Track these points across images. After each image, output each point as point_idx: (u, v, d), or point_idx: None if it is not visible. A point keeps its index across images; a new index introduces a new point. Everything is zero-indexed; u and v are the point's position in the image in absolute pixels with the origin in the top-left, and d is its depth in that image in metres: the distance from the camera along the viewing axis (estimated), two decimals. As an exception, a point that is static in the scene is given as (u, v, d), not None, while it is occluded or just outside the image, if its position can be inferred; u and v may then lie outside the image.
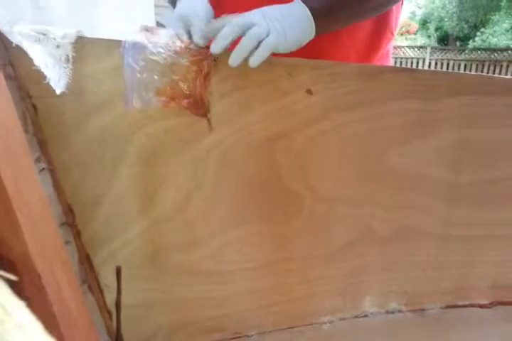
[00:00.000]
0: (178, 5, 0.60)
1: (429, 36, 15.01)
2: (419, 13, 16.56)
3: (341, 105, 0.63)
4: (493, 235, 0.75)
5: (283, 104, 0.61)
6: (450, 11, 12.44)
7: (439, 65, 11.32)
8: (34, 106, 0.52)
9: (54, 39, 0.51)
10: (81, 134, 0.54)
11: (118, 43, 0.53)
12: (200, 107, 0.58)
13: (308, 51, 0.63)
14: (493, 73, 10.54)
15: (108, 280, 0.59)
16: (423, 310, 0.77)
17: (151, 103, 0.54)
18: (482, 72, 10.63)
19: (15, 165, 0.46)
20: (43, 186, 0.47)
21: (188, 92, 0.56)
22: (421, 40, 15.35)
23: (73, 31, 0.52)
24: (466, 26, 12.56)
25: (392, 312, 0.75)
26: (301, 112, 0.62)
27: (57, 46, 0.51)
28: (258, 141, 0.61)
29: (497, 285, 0.78)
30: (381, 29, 0.77)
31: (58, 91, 0.50)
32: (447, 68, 10.83)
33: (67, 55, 0.52)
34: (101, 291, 0.58)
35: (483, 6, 11.61)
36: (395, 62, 11.26)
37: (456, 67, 10.86)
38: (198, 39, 0.55)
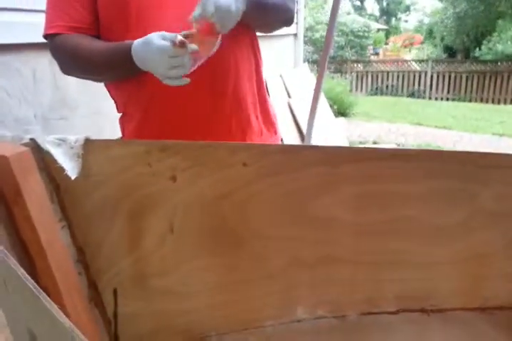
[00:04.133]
0: None
1: (435, 45, 15.09)
2: (427, 21, 16.51)
3: (269, 172, 0.90)
4: (395, 260, 1.01)
5: (227, 173, 0.88)
6: (448, 26, 12.63)
7: (441, 78, 11.42)
8: (57, 186, 0.81)
9: (69, 143, 0.80)
10: (88, 202, 0.83)
11: (114, 141, 0.82)
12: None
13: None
14: (495, 84, 10.71)
15: (108, 298, 0.86)
16: (344, 316, 1.02)
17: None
18: (484, 83, 10.81)
19: (45, 225, 0.75)
20: (63, 237, 0.76)
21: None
22: (428, 49, 15.38)
23: (82, 136, 0.81)
24: (466, 39, 12.72)
25: (319, 318, 1.01)
26: (240, 178, 0.89)
27: (71, 147, 0.80)
28: (210, 199, 0.89)
29: (401, 296, 1.04)
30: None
31: (73, 177, 0.79)
32: (449, 80, 11.04)
33: (78, 153, 0.80)
34: (103, 306, 0.86)
35: (481, 19, 11.78)
36: (398, 75, 11.50)
37: (458, 79, 11.02)
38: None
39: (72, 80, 1.61)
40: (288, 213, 0.94)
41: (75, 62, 1.02)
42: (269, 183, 0.91)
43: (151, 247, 0.88)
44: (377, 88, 11.60)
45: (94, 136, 0.83)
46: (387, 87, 11.56)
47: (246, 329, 0.97)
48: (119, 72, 1.01)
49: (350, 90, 9.49)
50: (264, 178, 0.90)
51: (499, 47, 11.83)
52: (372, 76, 11.85)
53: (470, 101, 10.39)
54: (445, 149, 4.96)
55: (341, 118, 6.07)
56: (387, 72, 11.72)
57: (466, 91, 10.84)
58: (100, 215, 0.83)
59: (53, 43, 1.02)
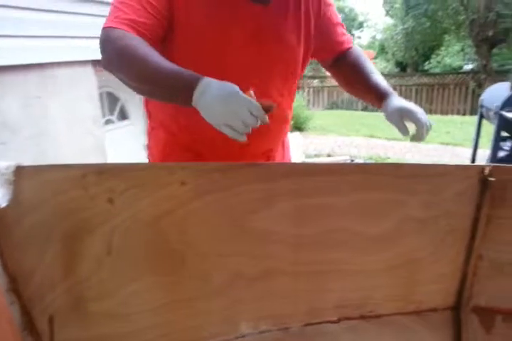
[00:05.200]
0: None
1: (388, 60, 15.73)
2: (379, 37, 17.20)
3: (207, 189, 0.93)
4: (332, 270, 1.05)
5: (165, 192, 0.90)
6: (398, 42, 13.24)
7: (392, 91, 11.89)
8: (-14, 213, 0.80)
9: (0, 170, 0.79)
10: (20, 228, 0.82)
11: (47, 167, 0.82)
12: None
13: None
14: (442, 96, 11.30)
15: (44, 326, 0.85)
16: (287, 328, 1.05)
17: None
18: (432, 95, 11.38)
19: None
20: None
21: None
22: (381, 64, 15.93)
23: (14, 163, 0.81)
24: (415, 54, 13.38)
25: (263, 332, 1.03)
26: (179, 197, 0.91)
27: (2, 174, 0.80)
28: (149, 219, 0.90)
29: (340, 305, 1.08)
30: None
31: (3, 205, 0.78)
32: (400, 93, 11.52)
33: (10, 180, 0.80)
34: (38, 335, 0.84)
35: (429, 34, 12.42)
36: (352, 89, 11.87)
37: (408, 92, 11.55)
38: None
39: (14, 103, 1.59)
40: (227, 229, 0.96)
41: (126, 66, 0.93)
42: (207, 201, 0.93)
43: (87, 271, 0.87)
44: (333, 103, 11.95)
45: (37, 158, 0.83)
46: (342, 101, 11.93)
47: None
48: (166, 96, 0.95)
49: (308, 105, 9.73)
50: (202, 196, 0.93)
51: (447, 60, 12.51)
52: (328, 91, 12.20)
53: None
54: (393, 160, 5.18)
55: (297, 133, 6.22)
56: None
57: (415, 104, 11.37)
58: (32, 242, 0.83)
59: (109, 36, 0.94)
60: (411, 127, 1.07)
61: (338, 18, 1.21)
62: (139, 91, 0.99)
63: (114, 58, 0.94)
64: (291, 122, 6.47)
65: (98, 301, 0.89)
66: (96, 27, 1.03)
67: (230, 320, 1.01)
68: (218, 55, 1.02)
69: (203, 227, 0.95)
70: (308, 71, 12.71)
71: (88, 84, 2.54)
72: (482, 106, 3.56)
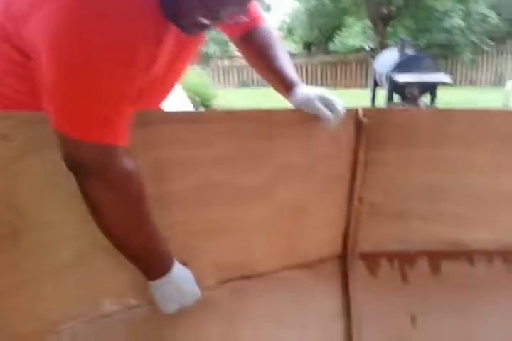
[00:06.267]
0: None
1: (296, 42, 16.09)
2: (288, 20, 17.58)
3: (40, 145, 0.76)
4: (208, 229, 0.95)
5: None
6: (304, 22, 13.50)
7: (299, 69, 12.29)
8: None
9: None
10: None
11: None
12: None
13: None
14: (345, 72, 11.86)
15: None
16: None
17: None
18: (336, 71, 11.91)
19: None
20: None
21: None
22: (289, 45, 16.26)
23: None
24: (319, 34, 13.76)
25: (132, 308, 0.90)
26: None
27: None
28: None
29: (220, 267, 0.98)
30: None
31: None
32: (306, 71, 11.85)
33: None
34: None
35: (330, 14, 12.80)
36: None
37: (314, 70, 11.99)
38: None
39: None
40: (70, 192, 0.77)
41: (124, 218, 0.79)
42: (39, 159, 0.76)
43: None
44: (244, 82, 11.92)
45: None
46: (252, 81, 11.94)
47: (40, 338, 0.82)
48: (134, 259, 0.84)
49: (216, 84, 9.56)
50: (32, 154, 0.76)
51: (349, 41, 13.04)
52: (238, 70, 12.14)
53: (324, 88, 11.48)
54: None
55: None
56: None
57: (321, 80, 11.92)
58: None
59: (122, 175, 0.75)
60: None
61: None
62: (112, 236, 0.81)
63: (120, 212, 0.78)
64: (197, 99, 6.27)
65: None
66: None
67: (89, 298, 0.87)
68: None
69: (33, 193, 0.78)
70: (216, 51, 12.52)
71: None
72: (375, 73, 3.71)
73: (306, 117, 0.93)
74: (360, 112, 0.99)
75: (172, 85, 0.97)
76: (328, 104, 0.92)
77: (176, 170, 0.88)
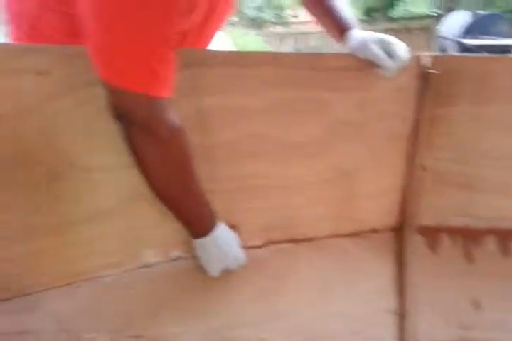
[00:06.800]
0: None
1: (358, 9, 15.47)
2: (351, -14, 16.89)
3: (79, 83, 0.72)
4: (253, 185, 0.89)
5: (15, 83, 0.69)
6: (366, -12, 12.77)
7: (359, 37, 11.79)
8: None
9: None
10: None
11: None
12: None
13: None
14: (408, 40, 11.12)
15: None
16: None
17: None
18: (398, 38, 11.27)
19: None
20: None
21: None
22: (351, 11, 15.74)
23: None
24: (382, 1, 13.03)
25: (175, 260, 0.88)
26: (37, 91, 0.70)
27: None
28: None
29: (266, 227, 0.93)
30: None
31: None
32: (367, 38, 11.31)
33: None
34: None
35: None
36: (320, 36, 11.50)
37: (375, 36, 11.45)
38: None
39: None
40: (110, 137, 0.74)
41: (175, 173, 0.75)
42: (78, 98, 0.72)
43: None
44: (298, 50, 11.58)
45: None
46: (307, 48, 11.58)
47: (77, 282, 0.81)
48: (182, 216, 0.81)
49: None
50: (70, 91, 0.72)
51: (413, 7, 12.31)
52: (293, 37, 11.78)
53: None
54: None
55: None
56: (309, 34, 11.72)
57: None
58: None
59: (173, 134, 0.72)
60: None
61: None
62: (159, 192, 0.78)
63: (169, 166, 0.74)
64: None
65: None
66: None
67: (131, 247, 0.85)
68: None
69: (78, 134, 0.75)
70: (271, 16, 12.16)
71: None
72: (440, 38, 3.40)
73: (362, 65, 0.81)
74: (428, 60, 0.85)
75: (212, 34, 0.90)
76: (389, 50, 0.79)
77: (221, 119, 0.82)
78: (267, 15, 12.09)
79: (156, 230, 0.86)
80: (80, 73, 0.71)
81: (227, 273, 0.87)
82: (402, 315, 0.87)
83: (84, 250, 0.81)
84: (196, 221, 0.81)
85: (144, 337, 0.77)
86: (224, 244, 0.83)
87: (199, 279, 0.87)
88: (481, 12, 3.68)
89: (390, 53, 0.79)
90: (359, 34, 0.83)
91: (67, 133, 0.74)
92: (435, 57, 0.85)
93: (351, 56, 0.82)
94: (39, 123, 0.72)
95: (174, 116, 0.71)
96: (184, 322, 0.80)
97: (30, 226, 0.76)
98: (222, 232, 0.83)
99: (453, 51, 3.14)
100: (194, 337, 0.78)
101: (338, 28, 0.87)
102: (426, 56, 0.85)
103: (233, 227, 0.87)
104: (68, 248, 0.80)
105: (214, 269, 0.84)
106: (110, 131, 0.73)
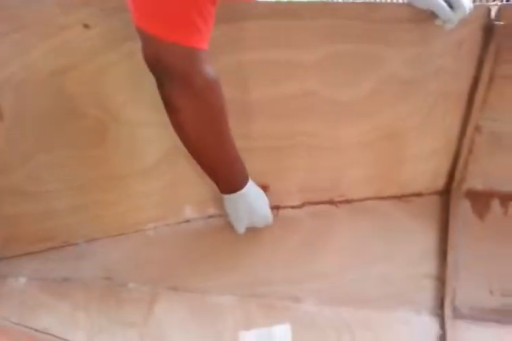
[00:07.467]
0: None
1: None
2: None
3: (123, 37, 0.71)
4: (295, 145, 0.87)
5: (62, 39, 0.69)
6: None
7: None
8: None
9: None
10: None
11: None
12: None
13: None
14: None
15: None
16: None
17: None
18: None
19: None
20: None
21: None
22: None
23: None
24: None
25: (211, 217, 0.89)
26: (82, 45, 0.70)
27: None
28: (45, 75, 0.70)
29: (306, 188, 0.91)
30: None
31: None
32: None
33: None
34: None
35: None
36: None
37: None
38: None
39: None
40: (151, 93, 0.72)
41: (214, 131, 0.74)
42: (124, 51, 0.72)
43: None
44: None
45: None
46: None
47: (121, 234, 0.84)
48: (211, 167, 0.80)
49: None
50: (116, 45, 0.71)
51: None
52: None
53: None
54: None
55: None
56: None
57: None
58: None
59: (209, 86, 0.69)
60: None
61: None
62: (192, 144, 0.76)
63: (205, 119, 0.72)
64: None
65: (1, 175, 0.73)
66: None
67: (172, 203, 0.86)
68: None
69: (122, 89, 0.75)
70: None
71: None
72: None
73: (420, 16, 0.75)
74: (493, 10, 0.78)
75: None
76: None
77: (263, 75, 0.78)
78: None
79: (195, 187, 0.86)
80: (122, 28, 0.70)
81: (262, 231, 0.87)
82: (442, 281, 0.84)
83: (129, 204, 0.83)
84: (227, 176, 0.80)
85: (180, 288, 0.80)
86: (253, 201, 0.83)
87: (234, 236, 0.87)
88: None
89: (451, 3, 0.73)
90: None
91: (112, 87, 0.74)
92: (504, 7, 0.77)
93: (409, 6, 0.75)
94: (85, 78, 0.72)
95: (211, 69, 0.69)
96: (218, 276, 0.81)
97: (80, 179, 0.78)
98: (251, 190, 0.83)
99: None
100: (227, 290, 0.79)
101: None
102: (492, 6, 0.78)
103: (265, 187, 0.86)
104: (115, 202, 0.82)
105: (240, 226, 0.85)
106: (150, 87, 0.71)
